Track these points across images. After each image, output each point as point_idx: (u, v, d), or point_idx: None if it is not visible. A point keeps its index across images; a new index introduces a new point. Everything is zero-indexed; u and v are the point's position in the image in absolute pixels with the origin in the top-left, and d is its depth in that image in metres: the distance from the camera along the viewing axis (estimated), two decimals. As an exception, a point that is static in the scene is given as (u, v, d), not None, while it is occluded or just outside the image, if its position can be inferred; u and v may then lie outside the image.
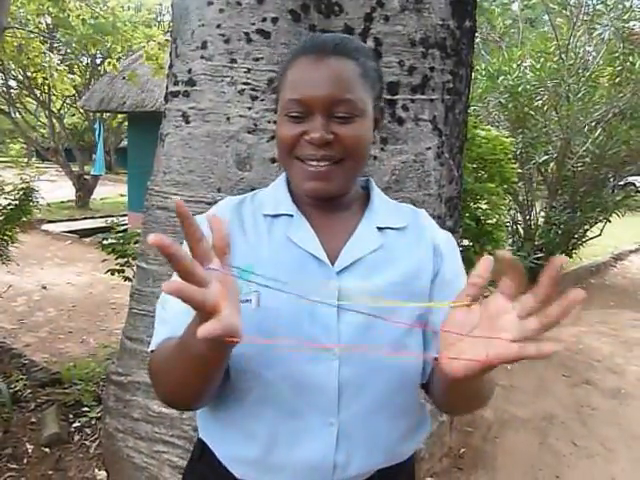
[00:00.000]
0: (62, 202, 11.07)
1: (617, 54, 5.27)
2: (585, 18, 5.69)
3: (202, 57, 1.86)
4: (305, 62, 0.83)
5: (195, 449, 0.99)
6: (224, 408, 0.89)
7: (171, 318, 0.85)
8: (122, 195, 11.80)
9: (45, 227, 8.75)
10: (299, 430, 0.84)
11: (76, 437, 2.57)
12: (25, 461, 2.38)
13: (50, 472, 2.32)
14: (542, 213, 6.21)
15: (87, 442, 2.53)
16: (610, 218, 6.23)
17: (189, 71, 1.90)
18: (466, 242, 3.36)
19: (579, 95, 5.37)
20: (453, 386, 0.76)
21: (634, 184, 8.13)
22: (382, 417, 0.87)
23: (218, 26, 1.83)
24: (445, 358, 0.67)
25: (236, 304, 0.65)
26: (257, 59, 1.81)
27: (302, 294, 0.72)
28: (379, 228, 0.90)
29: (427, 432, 0.99)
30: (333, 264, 0.85)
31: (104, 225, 3.57)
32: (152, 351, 0.87)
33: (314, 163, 0.83)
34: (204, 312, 0.61)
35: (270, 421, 0.85)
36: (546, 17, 5.71)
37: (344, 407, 0.84)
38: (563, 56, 5.35)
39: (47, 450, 2.46)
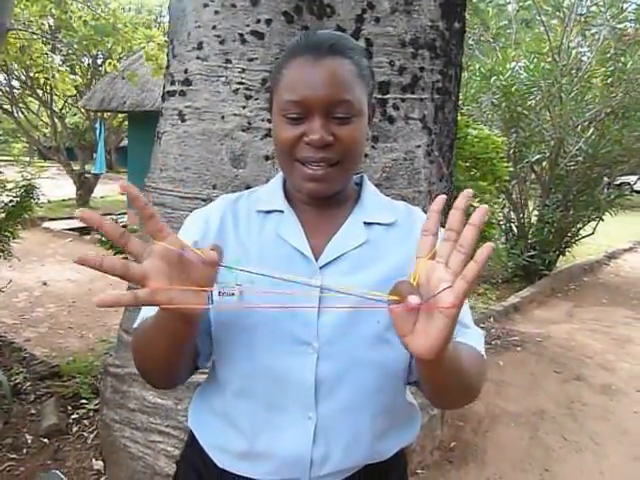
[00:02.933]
0: (63, 200, 11.12)
1: (609, 55, 5.31)
2: (578, 19, 5.73)
3: (198, 57, 1.91)
4: (302, 62, 0.82)
5: (188, 436, 1.02)
6: (209, 399, 0.93)
7: None
8: (122, 193, 11.80)
9: (46, 225, 8.79)
10: (278, 423, 0.85)
11: (74, 428, 2.62)
12: (25, 451, 2.44)
13: (49, 462, 2.37)
14: (535, 211, 6.24)
15: (85, 433, 2.58)
16: (603, 217, 6.26)
17: (185, 71, 1.94)
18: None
19: (572, 95, 5.41)
20: (430, 370, 0.74)
21: (629, 183, 8.14)
22: (362, 414, 0.86)
23: (213, 27, 1.87)
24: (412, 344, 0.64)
25: (178, 281, 0.65)
26: (251, 59, 1.86)
27: (284, 289, 0.73)
28: (366, 223, 0.90)
29: (415, 432, 0.98)
30: (318, 260, 0.86)
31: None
32: (136, 328, 0.90)
33: (313, 165, 0.83)
34: (134, 282, 0.63)
35: (250, 413, 0.86)
36: (540, 18, 5.72)
37: (322, 402, 0.84)
38: (556, 57, 5.39)
39: (46, 441, 2.51)
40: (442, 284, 0.60)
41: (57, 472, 2.28)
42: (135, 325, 0.89)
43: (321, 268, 0.85)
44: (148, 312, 0.86)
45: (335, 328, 0.83)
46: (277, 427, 0.85)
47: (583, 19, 5.73)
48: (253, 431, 0.86)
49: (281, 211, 0.91)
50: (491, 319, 4.79)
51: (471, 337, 0.86)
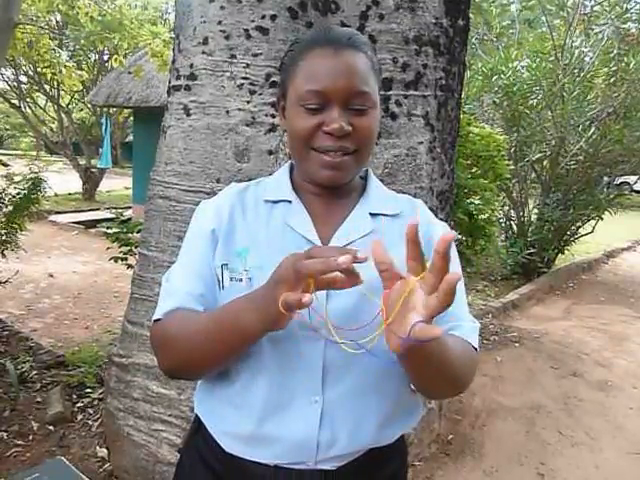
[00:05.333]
0: (69, 194, 11.22)
1: (612, 55, 5.31)
2: (582, 19, 5.73)
3: (203, 52, 1.93)
4: (322, 54, 0.84)
5: (192, 424, 1.02)
6: (217, 383, 0.94)
7: (177, 291, 0.89)
8: (127, 188, 11.93)
9: (53, 218, 8.87)
10: (285, 407, 0.86)
11: (79, 416, 2.66)
12: (30, 438, 2.48)
13: (54, 448, 2.41)
14: (535, 210, 6.28)
15: (89, 421, 2.62)
16: (602, 216, 6.29)
17: (191, 66, 1.96)
18: (459, 236, 3.43)
19: (573, 94, 5.43)
20: (406, 362, 0.79)
21: (629, 183, 8.15)
22: (367, 399, 0.88)
23: (219, 23, 1.90)
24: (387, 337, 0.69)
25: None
26: (256, 55, 1.88)
27: None
28: (372, 214, 0.92)
29: (417, 419, 1.00)
30: None
31: (109, 216, 3.64)
32: (156, 320, 0.90)
33: (331, 154, 0.85)
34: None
35: (257, 397, 0.87)
36: (544, 18, 5.73)
37: (329, 386, 0.85)
38: (559, 56, 5.40)
39: (51, 428, 2.55)
40: (413, 318, 0.65)
41: (62, 458, 2.31)
42: (158, 316, 0.89)
43: None
44: (172, 304, 0.88)
45: (343, 314, 0.83)
46: (284, 411, 0.86)
47: (587, 18, 5.73)
48: (261, 415, 0.87)
49: (289, 201, 0.93)
50: (490, 315, 4.82)
51: (465, 330, 0.89)
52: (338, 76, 0.83)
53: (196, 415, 1.00)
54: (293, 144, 0.90)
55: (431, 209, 2.16)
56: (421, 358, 0.76)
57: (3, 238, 3.40)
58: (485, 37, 6.44)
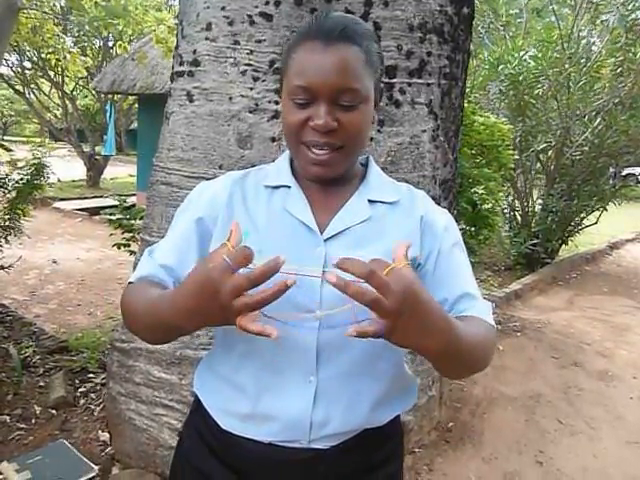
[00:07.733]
0: (74, 181, 11.26)
1: (620, 44, 5.26)
2: (589, 7, 5.67)
3: (206, 38, 1.92)
4: (311, 47, 0.83)
5: (192, 403, 1.06)
6: (214, 363, 0.97)
7: (152, 261, 0.92)
8: (131, 175, 11.94)
9: (57, 205, 8.91)
10: (280, 386, 0.89)
11: (81, 401, 2.68)
12: (33, 421, 2.51)
13: (56, 432, 2.44)
14: (539, 200, 6.25)
15: (92, 406, 2.64)
16: (607, 207, 6.27)
17: (194, 52, 1.96)
18: (462, 226, 3.42)
19: (580, 84, 5.39)
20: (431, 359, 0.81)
21: (634, 174, 8.12)
22: (361, 380, 0.90)
23: (222, 8, 1.88)
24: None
25: None
26: (259, 41, 1.87)
27: (291, 259, 0.75)
28: (370, 201, 0.93)
29: (412, 401, 1.02)
30: (323, 233, 0.89)
31: (113, 203, 3.65)
32: (130, 283, 0.91)
33: (317, 150, 0.85)
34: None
35: (253, 376, 0.90)
36: (553, 7, 5.66)
37: (323, 366, 0.87)
38: (565, 45, 5.35)
39: (54, 412, 2.58)
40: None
41: (64, 442, 2.35)
42: (132, 279, 0.91)
43: (325, 241, 0.89)
44: (144, 272, 0.90)
45: (337, 296, 0.82)
46: (279, 390, 0.89)
47: (594, 7, 5.66)
48: (256, 394, 0.90)
49: (288, 186, 0.94)
50: (492, 305, 4.80)
51: (480, 309, 0.89)
52: (326, 72, 0.82)
53: (195, 393, 1.02)
54: (285, 136, 0.91)
55: (434, 198, 2.15)
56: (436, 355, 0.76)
57: (6, 224, 3.41)
58: (492, 26, 6.36)
